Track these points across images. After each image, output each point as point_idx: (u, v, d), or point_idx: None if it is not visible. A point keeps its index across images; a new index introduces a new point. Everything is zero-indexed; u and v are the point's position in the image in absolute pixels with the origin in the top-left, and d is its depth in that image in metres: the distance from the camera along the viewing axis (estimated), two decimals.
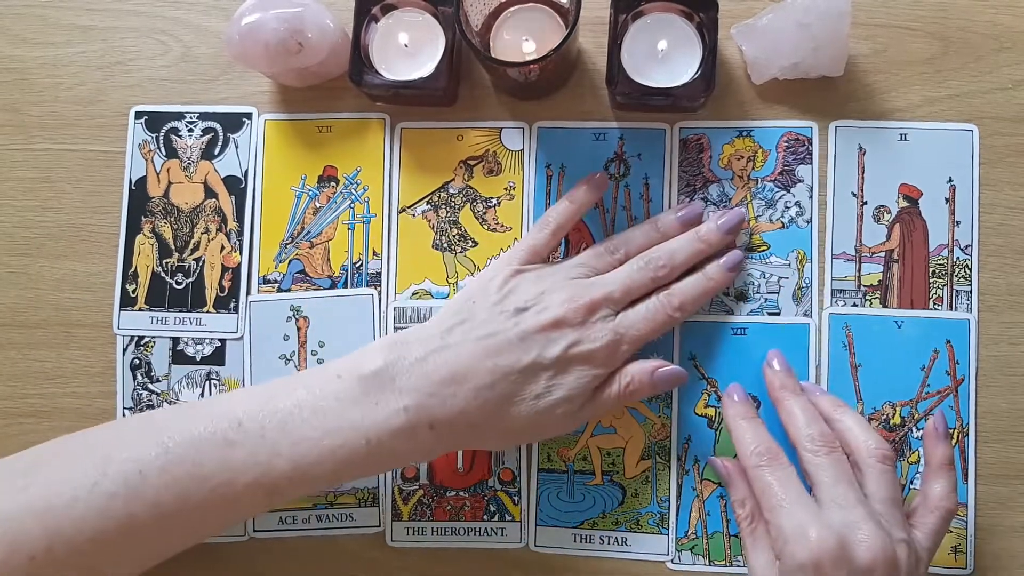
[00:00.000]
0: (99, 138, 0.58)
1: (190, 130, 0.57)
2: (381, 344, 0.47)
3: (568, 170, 0.56)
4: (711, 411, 0.54)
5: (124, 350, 0.56)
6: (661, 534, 0.53)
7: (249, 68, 0.56)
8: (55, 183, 0.58)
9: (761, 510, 0.47)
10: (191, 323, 0.56)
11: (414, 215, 0.56)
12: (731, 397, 0.52)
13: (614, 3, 0.51)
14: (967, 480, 0.52)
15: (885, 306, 0.53)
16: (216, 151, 0.57)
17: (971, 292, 0.53)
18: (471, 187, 0.56)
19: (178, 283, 0.56)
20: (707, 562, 0.53)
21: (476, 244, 0.56)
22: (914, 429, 0.53)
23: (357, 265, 0.56)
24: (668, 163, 0.55)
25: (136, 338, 0.56)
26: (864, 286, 0.54)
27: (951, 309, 0.53)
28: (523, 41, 0.53)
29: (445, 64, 0.52)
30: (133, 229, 0.57)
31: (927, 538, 0.46)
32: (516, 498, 0.54)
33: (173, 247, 0.57)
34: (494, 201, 0.56)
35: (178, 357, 0.56)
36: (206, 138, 0.57)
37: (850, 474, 0.46)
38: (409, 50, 0.54)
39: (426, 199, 0.56)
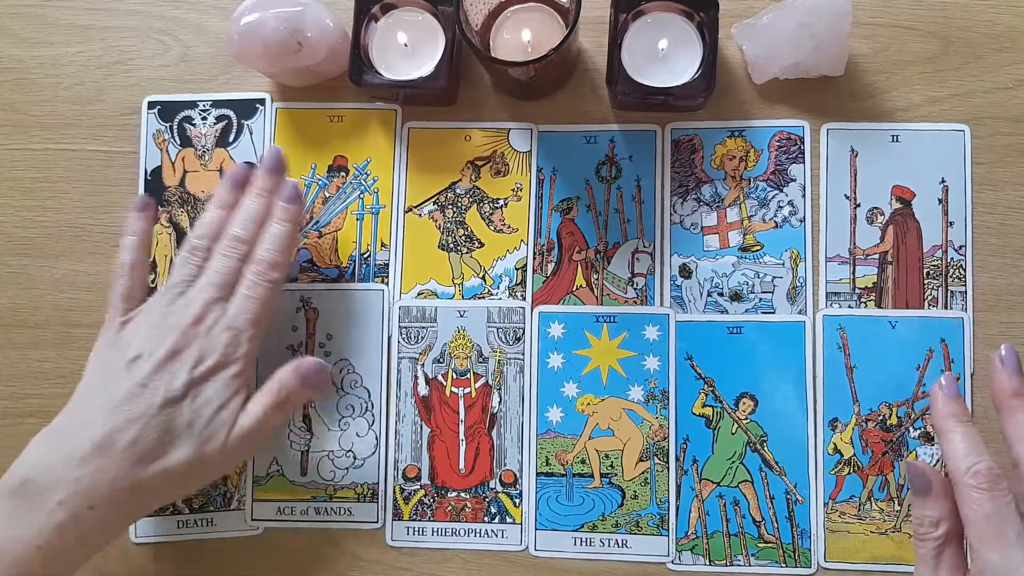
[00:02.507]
0: (98, 138, 0.55)
1: (204, 118, 0.54)
2: (28, 448, 0.44)
3: (559, 173, 0.53)
4: (708, 411, 0.51)
5: None
6: (661, 535, 0.50)
7: (248, 68, 0.53)
8: (54, 183, 0.55)
9: (964, 534, 0.40)
10: None
11: (420, 215, 0.53)
12: (942, 391, 0.42)
13: (614, 2, 0.49)
14: None
15: (880, 308, 0.51)
16: (231, 138, 0.54)
17: (966, 293, 0.50)
18: (478, 188, 0.53)
19: None
20: (707, 562, 0.49)
21: (483, 245, 0.53)
22: (911, 429, 0.50)
23: (365, 256, 0.53)
24: (660, 164, 0.52)
25: None
26: (859, 288, 0.51)
27: (946, 309, 0.50)
28: (523, 41, 0.50)
29: (445, 63, 0.49)
30: None
31: None
32: (517, 500, 0.51)
33: None
34: (501, 202, 0.53)
35: None
36: (220, 126, 0.54)
37: None
38: (409, 49, 0.51)
39: (433, 199, 0.53)
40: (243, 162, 0.50)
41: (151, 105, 0.54)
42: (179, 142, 0.54)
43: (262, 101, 0.54)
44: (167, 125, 0.54)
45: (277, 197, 0.48)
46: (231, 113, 0.54)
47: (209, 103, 0.54)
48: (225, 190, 0.48)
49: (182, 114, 0.54)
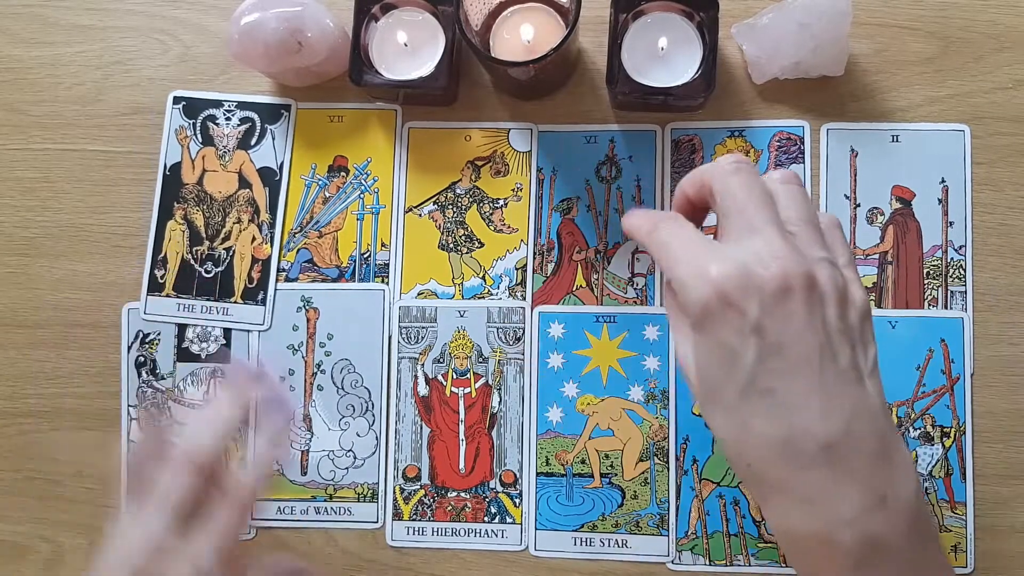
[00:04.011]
0: (98, 138, 0.54)
1: (228, 119, 0.54)
2: None
3: (559, 173, 0.52)
4: None
5: (128, 348, 0.53)
6: (661, 535, 0.49)
7: (249, 68, 0.52)
8: (54, 183, 0.54)
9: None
10: (218, 312, 0.52)
11: (421, 215, 0.53)
12: (628, 213, 0.40)
13: (614, 2, 0.48)
14: (965, 479, 0.49)
15: (880, 308, 0.50)
16: (253, 141, 0.54)
17: (966, 292, 0.50)
18: (478, 188, 0.53)
19: (207, 272, 0.53)
20: (707, 562, 0.49)
21: (483, 245, 0.52)
22: (911, 429, 0.49)
23: (365, 256, 0.52)
24: (660, 164, 0.52)
25: (141, 335, 0.53)
26: None
27: (946, 309, 0.50)
28: (523, 41, 0.50)
29: (445, 63, 0.49)
30: (165, 214, 0.53)
31: (841, 253, 0.36)
32: (517, 500, 0.50)
33: (204, 235, 0.53)
34: (501, 202, 0.53)
35: (183, 355, 0.53)
36: (243, 128, 0.54)
37: (763, 194, 0.35)
38: (409, 49, 0.51)
39: (433, 199, 0.53)
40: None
41: (176, 100, 0.54)
42: (201, 140, 0.54)
43: (287, 107, 0.54)
44: (191, 122, 0.54)
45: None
46: (255, 116, 0.54)
47: (234, 104, 0.54)
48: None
49: (206, 112, 0.54)
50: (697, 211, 0.39)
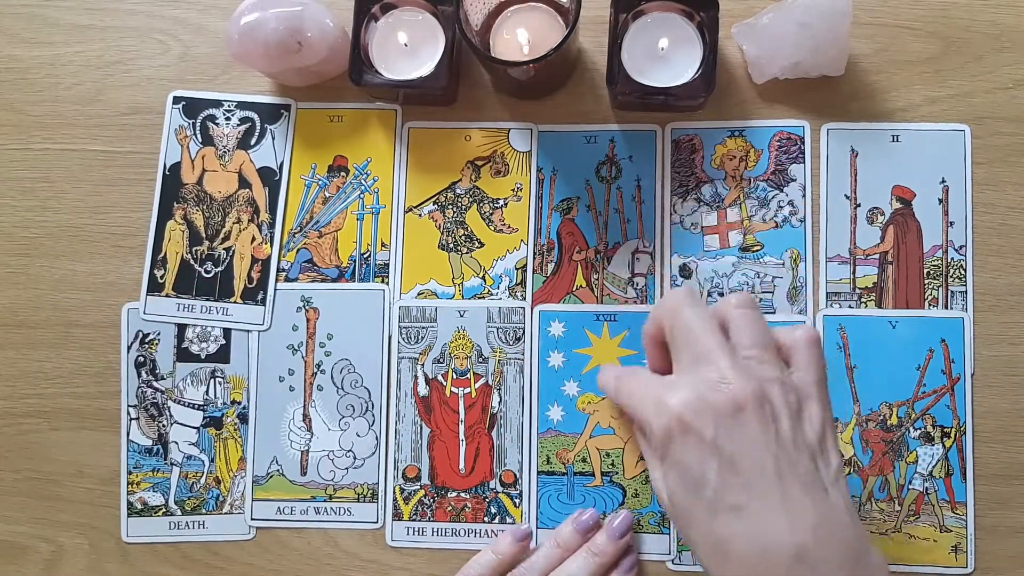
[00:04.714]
0: (98, 138, 0.54)
1: (227, 118, 0.54)
2: None
3: (559, 173, 0.53)
4: None
5: (128, 348, 0.53)
6: (662, 534, 0.49)
7: (249, 68, 0.53)
8: (54, 183, 0.54)
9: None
10: (218, 312, 0.52)
11: (420, 215, 0.53)
12: (599, 374, 0.46)
13: (614, 2, 0.48)
14: (965, 479, 0.49)
15: (880, 308, 0.50)
16: (252, 141, 0.54)
17: (966, 292, 0.50)
18: (478, 188, 0.53)
19: (207, 272, 0.53)
20: None
21: (483, 245, 0.52)
22: (911, 429, 0.49)
23: (365, 256, 0.52)
24: (660, 164, 0.52)
25: (141, 335, 0.53)
26: (859, 288, 0.50)
27: (946, 309, 0.50)
28: (523, 41, 0.50)
29: (445, 63, 0.49)
30: (165, 214, 0.53)
31: (807, 371, 0.39)
32: (517, 500, 0.50)
33: (204, 235, 0.53)
34: (501, 202, 0.53)
35: (183, 355, 0.53)
36: (243, 127, 0.54)
37: (711, 323, 0.39)
38: (409, 49, 0.51)
39: (433, 199, 0.53)
40: (593, 510, 0.49)
41: (176, 100, 0.54)
42: (201, 140, 0.54)
43: (287, 107, 0.54)
44: (190, 122, 0.54)
45: (614, 568, 0.47)
46: (255, 116, 0.54)
47: (234, 104, 0.54)
48: (569, 533, 0.48)
49: (206, 112, 0.54)
50: (666, 348, 0.42)
